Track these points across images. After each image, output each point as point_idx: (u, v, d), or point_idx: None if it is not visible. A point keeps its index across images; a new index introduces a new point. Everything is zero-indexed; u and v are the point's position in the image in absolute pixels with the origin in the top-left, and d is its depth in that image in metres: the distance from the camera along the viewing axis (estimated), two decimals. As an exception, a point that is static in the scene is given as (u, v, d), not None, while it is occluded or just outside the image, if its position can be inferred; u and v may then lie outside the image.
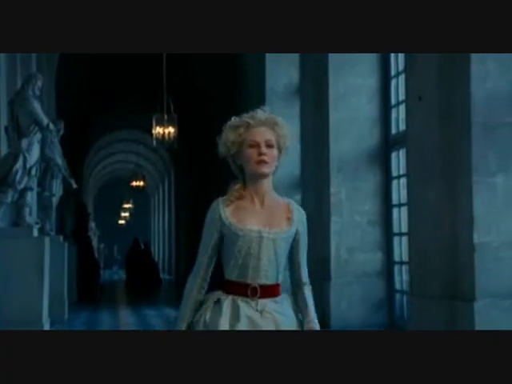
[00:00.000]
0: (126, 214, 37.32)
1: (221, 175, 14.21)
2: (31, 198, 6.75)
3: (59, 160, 9.20)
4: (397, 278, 7.70)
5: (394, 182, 7.76)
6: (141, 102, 16.38)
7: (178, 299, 10.43)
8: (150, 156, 27.52)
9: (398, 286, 7.67)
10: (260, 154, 2.54)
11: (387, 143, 7.80)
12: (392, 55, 7.74)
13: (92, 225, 21.91)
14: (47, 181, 9.20)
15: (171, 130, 11.79)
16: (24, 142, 6.27)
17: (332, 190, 7.95)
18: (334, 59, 8.14)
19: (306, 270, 2.67)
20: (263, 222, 2.56)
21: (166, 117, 11.64)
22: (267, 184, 2.60)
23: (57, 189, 9.59)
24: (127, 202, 34.50)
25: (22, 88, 6.46)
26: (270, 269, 2.54)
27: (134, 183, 25.02)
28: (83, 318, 10.33)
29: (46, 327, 6.68)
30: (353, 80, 8.09)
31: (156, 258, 26.40)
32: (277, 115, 2.61)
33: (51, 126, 6.56)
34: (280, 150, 2.60)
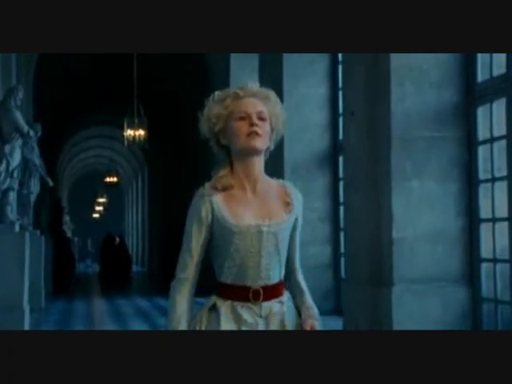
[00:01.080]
0: (100, 208, 37.92)
1: (192, 172, 15.01)
2: (13, 197, 7.50)
3: (37, 160, 9.94)
4: (343, 268, 8.57)
5: (341, 183, 8.62)
6: (114, 99, 17.07)
7: (149, 290, 11.49)
8: (124, 152, 28.17)
9: (344, 275, 8.55)
10: (251, 124, 2.18)
11: (335, 148, 8.64)
12: (340, 68, 8.58)
13: (66, 218, 22.53)
14: (25, 180, 9.94)
15: (141, 132, 12.61)
16: (7, 148, 7.02)
17: (286, 189, 8.78)
18: (289, 70, 8.97)
19: (299, 255, 2.36)
20: (260, 213, 2.20)
21: (136, 120, 12.44)
22: (259, 165, 2.23)
23: (34, 187, 10.33)
24: (101, 197, 35.13)
25: (5, 99, 7.21)
26: (272, 267, 2.20)
27: (108, 179, 25.71)
28: (59, 307, 11.11)
29: (26, 313, 7.45)
30: (305, 90, 8.92)
31: (130, 251, 27.09)
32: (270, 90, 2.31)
33: (31, 133, 7.32)
34: (271, 127, 2.24)
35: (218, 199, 2.20)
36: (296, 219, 2.27)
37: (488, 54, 5.35)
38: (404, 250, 5.56)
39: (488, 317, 5.37)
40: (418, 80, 5.59)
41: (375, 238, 5.81)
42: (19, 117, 7.13)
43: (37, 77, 12.87)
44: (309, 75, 8.97)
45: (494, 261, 5.29)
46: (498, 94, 5.19)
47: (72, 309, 11.16)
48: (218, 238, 2.20)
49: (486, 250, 5.40)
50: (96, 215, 38.85)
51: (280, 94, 9.67)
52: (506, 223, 5.10)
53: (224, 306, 2.17)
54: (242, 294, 2.18)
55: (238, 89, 2.25)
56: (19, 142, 7.28)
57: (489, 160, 5.38)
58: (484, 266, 5.40)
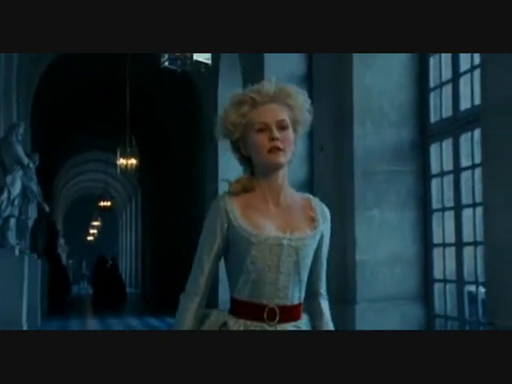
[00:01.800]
0: (95, 231, 38.46)
1: (183, 197, 15.64)
2: (13, 223, 8.13)
3: (34, 188, 10.56)
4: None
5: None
6: (108, 126, 17.77)
7: (142, 310, 12.16)
8: (118, 176, 28.85)
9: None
10: (272, 139, 1.99)
11: (312, 179, 9.31)
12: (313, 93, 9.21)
13: (61, 241, 23.08)
14: (24, 206, 10.57)
15: (133, 161, 13.31)
16: (8, 178, 7.67)
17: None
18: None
19: (325, 279, 2.16)
20: (281, 225, 2.02)
21: (128, 149, 13.15)
22: (282, 177, 2.04)
23: (32, 212, 10.95)
24: (95, 220, 35.67)
25: (7, 135, 7.88)
26: (291, 285, 2.01)
27: (102, 203, 26.31)
28: (54, 326, 11.66)
29: (25, 328, 8.04)
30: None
31: (123, 273, 27.58)
32: (289, 85, 2.09)
33: (30, 165, 7.98)
34: (296, 129, 2.06)
35: (237, 206, 2.01)
36: (322, 237, 2.07)
37: (439, 99, 6.05)
38: (366, 272, 6.20)
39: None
40: (379, 120, 6.28)
41: (341, 261, 6.45)
42: (20, 150, 7.80)
43: (34, 104, 13.55)
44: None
45: (445, 281, 5.93)
46: (447, 134, 5.87)
47: (66, 327, 11.73)
48: (233, 249, 2.01)
49: (438, 272, 6.04)
50: (90, 238, 39.37)
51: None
52: (453, 248, 5.75)
53: (236, 326, 1.98)
54: (256, 312, 1.98)
55: (254, 92, 2.03)
56: (20, 172, 7.94)
57: (440, 191, 6.05)
58: (436, 286, 6.04)
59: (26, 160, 7.89)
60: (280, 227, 2.01)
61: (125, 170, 13.51)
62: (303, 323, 2.05)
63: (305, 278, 2.04)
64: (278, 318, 2.00)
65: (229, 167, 11.18)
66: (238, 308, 2.01)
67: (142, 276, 24.70)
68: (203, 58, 6.08)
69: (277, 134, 1.99)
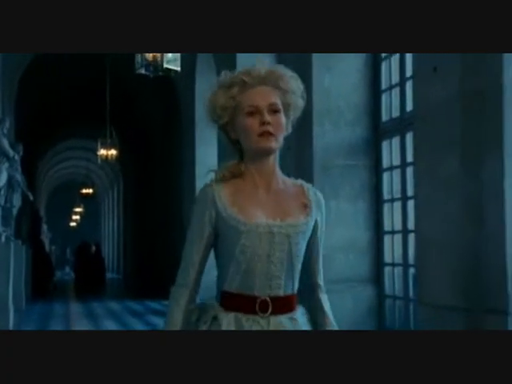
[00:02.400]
0: (77, 217, 38.85)
1: (162, 184, 16.20)
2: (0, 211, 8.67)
3: (19, 177, 11.07)
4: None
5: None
6: (90, 115, 18.25)
7: (124, 294, 12.93)
8: (100, 163, 29.20)
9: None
10: (263, 123, 1.89)
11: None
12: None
13: (44, 228, 23.52)
14: (9, 195, 11.08)
15: (113, 152, 13.85)
16: (-6, 170, 8.20)
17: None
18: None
19: (322, 269, 2.07)
20: (272, 212, 1.92)
21: (108, 141, 13.69)
22: (273, 162, 1.96)
23: (16, 201, 11.46)
24: (78, 206, 36.06)
25: (-6, 129, 8.41)
26: (284, 275, 1.91)
27: (84, 190, 26.75)
28: (38, 309, 12.24)
29: (11, 312, 8.59)
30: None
31: (106, 259, 28.10)
32: (282, 67, 1.98)
33: (16, 157, 8.50)
34: (288, 114, 1.95)
35: (225, 194, 1.92)
36: (316, 224, 1.97)
37: (389, 100, 6.66)
38: (324, 258, 6.82)
39: (390, 310, 6.66)
40: (336, 119, 6.89)
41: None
42: (6, 144, 8.32)
43: (18, 98, 14.01)
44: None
45: (393, 265, 6.58)
46: (396, 132, 6.49)
47: (50, 310, 12.30)
48: (222, 238, 1.92)
49: (388, 256, 6.68)
50: (73, 224, 39.71)
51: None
52: (401, 235, 6.38)
53: (226, 319, 1.89)
54: (248, 304, 1.89)
55: (244, 74, 1.93)
56: (5, 164, 8.47)
57: (390, 184, 6.67)
58: (386, 269, 6.69)
59: (11, 152, 8.43)
60: (271, 214, 1.91)
61: (105, 160, 14.03)
62: (298, 315, 1.95)
63: (298, 267, 1.94)
64: (270, 310, 1.89)
65: (206, 160, 11.77)
66: (229, 300, 1.91)
67: (124, 261, 25.22)
68: (173, 65, 6.62)
69: (268, 117, 1.89)
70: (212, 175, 1.99)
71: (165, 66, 6.10)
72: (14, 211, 11.51)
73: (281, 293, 1.91)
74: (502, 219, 3.76)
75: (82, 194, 27.30)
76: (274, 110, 1.91)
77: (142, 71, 6.39)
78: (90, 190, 27.07)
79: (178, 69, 6.51)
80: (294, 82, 1.96)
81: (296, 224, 1.92)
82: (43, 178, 28.54)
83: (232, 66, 9.62)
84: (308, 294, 2.03)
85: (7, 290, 8.52)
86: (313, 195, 2.00)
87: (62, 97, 16.22)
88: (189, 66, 11.95)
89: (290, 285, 1.92)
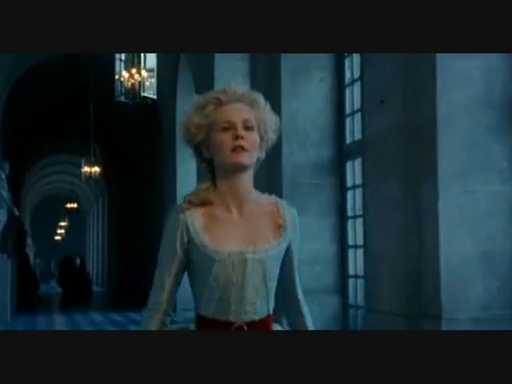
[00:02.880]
0: (62, 231, 39.06)
1: (145, 199, 16.64)
2: (-14, 227, 9.11)
3: (5, 193, 11.49)
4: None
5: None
6: (75, 132, 18.69)
7: (107, 306, 13.42)
8: (94, 159, 29.41)
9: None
10: (236, 137, 1.86)
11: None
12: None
13: (29, 241, 23.80)
14: (-6, 210, 11.49)
15: (97, 169, 14.33)
16: (-18, 188, 8.64)
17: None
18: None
19: (299, 284, 2.04)
20: (245, 237, 1.89)
21: (92, 158, 14.18)
22: (247, 182, 1.92)
23: (2, 216, 11.87)
24: (63, 220, 36.29)
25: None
26: (258, 300, 1.89)
27: (69, 205, 27.09)
28: (23, 321, 12.64)
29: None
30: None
31: (90, 272, 28.38)
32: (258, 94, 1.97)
33: (2, 176, 8.96)
34: (261, 135, 1.92)
35: (196, 219, 1.88)
36: (290, 243, 1.95)
37: (352, 123, 7.18)
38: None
39: (353, 319, 7.14)
40: (303, 141, 7.40)
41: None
42: (-7, 163, 8.80)
43: (3, 116, 14.42)
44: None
45: (356, 277, 7.07)
46: (358, 153, 6.99)
47: (34, 322, 12.70)
48: (195, 264, 1.90)
49: (351, 269, 7.17)
50: (58, 237, 39.87)
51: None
52: (362, 249, 6.86)
53: None
54: (224, 329, 1.87)
55: (220, 93, 1.91)
56: (-7, 183, 8.95)
57: (353, 202, 7.18)
58: (350, 281, 7.17)
59: (-2, 172, 8.92)
60: (244, 240, 1.88)
61: (89, 176, 14.49)
62: None
63: (273, 289, 1.92)
64: None
65: (186, 178, 12.24)
66: (204, 325, 1.89)
67: (108, 275, 25.54)
68: (150, 93, 7.13)
69: (242, 132, 1.86)
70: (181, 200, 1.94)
71: (142, 94, 6.62)
72: (0, 226, 11.91)
73: (256, 317, 1.89)
74: (437, 236, 4.27)
75: (67, 208, 27.62)
76: (247, 127, 1.88)
77: (122, 99, 6.91)
78: (75, 205, 27.44)
79: (155, 97, 7.03)
80: (268, 109, 1.96)
81: (269, 248, 1.89)
82: (28, 192, 28.83)
83: (210, 86, 10.09)
84: (287, 310, 2.02)
85: (-6, 302, 8.96)
86: (288, 214, 1.98)
87: (48, 114, 16.64)
88: (169, 87, 12.46)
89: (264, 307, 1.91)
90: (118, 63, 6.72)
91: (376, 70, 5.27)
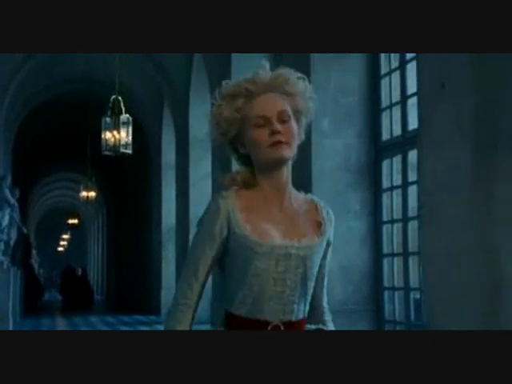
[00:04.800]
0: (65, 243, 40.72)
1: (139, 214, 18.81)
2: (2, 244, 11.21)
3: (15, 215, 13.64)
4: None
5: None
6: (76, 157, 20.96)
7: (105, 311, 16.21)
8: (91, 184, 31.32)
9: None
10: (273, 132, 1.74)
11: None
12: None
13: (33, 253, 25.79)
14: (9, 231, 13.60)
15: (93, 193, 16.75)
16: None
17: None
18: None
19: (326, 292, 1.93)
20: (287, 231, 1.78)
21: (89, 183, 16.57)
22: (286, 176, 1.80)
23: (13, 234, 14.01)
24: (65, 233, 37.88)
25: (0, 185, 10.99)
26: (297, 300, 1.78)
27: (70, 221, 29.00)
28: (29, 322, 14.80)
29: (11, 322, 11.13)
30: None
31: (91, 281, 30.31)
32: (286, 70, 1.81)
33: (15, 203, 11.08)
34: (299, 120, 1.81)
35: (239, 209, 1.76)
36: (328, 244, 1.87)
37: (389, 119, 6.11)
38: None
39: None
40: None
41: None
42: (8, 194, 10.92)
43: (15, 140, 16.57)
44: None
45: (393, 289, 6.15)
46: (396, 151, 6.01)
47: (39, 324, 14.74)
48: (232, 258, 1.78)
49: (387, 280, 6.26)
50: (61, 249, 41.13)
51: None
52: (401, 257, 5.93)
53: None
54: (259, 329, 1.75)
55: (248, 82, 1.79)
56: (8, 209, 11.04)
57: (390, 204, 6.20)
58: (386, 293, 6.25)
59: (12, 200, 11.01)
60: (286, 234, 1.79)
61: (86, 200, 16.78)
62: None
63: (311, 290, 1.84)
64: None
65: (171, 199, 14.23)
66: (237, 324, 1.79)
67: (107, 284, 27.51)
68: (127, 149, 9.40)
69: (278, 126, 1.76)
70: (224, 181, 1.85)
71: (121, 150, 8.91)
72: (12, 242, 14.05)
73: (293, 318, 1.81)
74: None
75: (69, 224, 29.45)
76: (283, 119, 1.78)
77: (107, 153, 9.22)
78: (76, 221, 29.31)
79: (130, 152, 9.34)
80: (300, 84, 1.84)
81: (312, 245, 1.81)
82: (33, 206, 30.76)
83: (185, 117, 11.77)
84: (312, 317, 1.91)
85: (8, 306, 11.09)
86: (325, 213, 1.90)
87: (52, 143, 18.90)
88: (156, 116, 14.61)
89: (302, 309, 1.83)
90: (103, 124, 9.06)
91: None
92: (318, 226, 1.87)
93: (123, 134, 8.88)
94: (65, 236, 38.82)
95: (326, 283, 1.95)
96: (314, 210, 1.89)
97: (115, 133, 8.85)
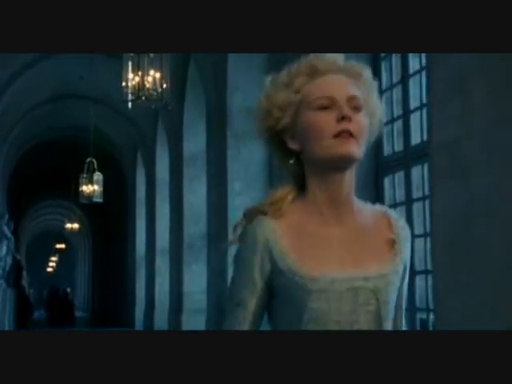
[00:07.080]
0: (53, 264, 42.32)
1: (122, 238, 21.32)
2: (0, 270, 13.68)
3: (11, 244, 16.07)
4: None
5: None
6: (64, 180, 23.49)
7: (89, 326, 19.35)
8: (73, 218, 33.83)
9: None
10: (342, 117, 1.34)
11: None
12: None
13: (24, 274, 28.10)
14: (4, 258, 16.01)
15: (76, 225, 19.33)
16: (-3, 246, 13.23)
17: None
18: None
19: (404, 318, 1.51)
20: (350, 259, 1.37)
21: (73, 216, 19.08)
22: (350, 183, 1.40)
23: (9, 260, 16.40)
24: (53, 256, 39.26)
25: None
26: None
27: (58, 246, 31.07)
28: (21, 337, 17.17)
29: (6, 336, 13.44)
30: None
31: (78, 300, 32.53)
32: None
33: (12, 237, 13.51)
34: (369, 118, 1.40)
35: (281, 234, 1.35)
36: (405, 268, 1.44)
37: (391, 133, 5.63)
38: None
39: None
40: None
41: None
42: (6, 230, 13.35)
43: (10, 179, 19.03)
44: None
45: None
46: (399, 166, 5.46)
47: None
48: (281, 299, 1.38)
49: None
50: (50, 269, 42.69)
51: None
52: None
53: None
54: None
55: (314, 60, 1.39)
56: (5, 242, 13.45)
57: None
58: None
59: (8, 234, 13.44)
60: (349, 262, 1.36)
61: (70, 231, 19.30)
62: None
63: (387, 326, 1.39)
64: None
65: (142, 229, 16.74)
66: None
67: (92, 302, 29.85)
68: (98, 197, 12.11)
69: (348, 111, 1.35)
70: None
71: (94, 200, 11.62)
72: (7, 268, 16.45)
73: None
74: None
75: (57, 248, 31.37)
76: (355, 107, 1.37)
77: (83, 201, 11.97)
78: (63, 245, 31.23)
79: (101, 201, 12.06)
80: (374, 80, 1.45)
81: (385, 273, 1.38)
82: (24, 231, 32.83)
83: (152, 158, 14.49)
84: None
85: (4, 323, 13.45)
86: (400, 228, 1.45)
87: (42, 177, 21.49)
88: (131, 157, 17.13)
89: None
90: (80, 180, 11.82)
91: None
92: (392, 245, 1.44)
93: (96, 187, 11.55)
94: (53, 258, 40.56)
95: (403, 311, 1.52)
96: (386, 224, 1.46)
97: (90, 186, 11.52)
